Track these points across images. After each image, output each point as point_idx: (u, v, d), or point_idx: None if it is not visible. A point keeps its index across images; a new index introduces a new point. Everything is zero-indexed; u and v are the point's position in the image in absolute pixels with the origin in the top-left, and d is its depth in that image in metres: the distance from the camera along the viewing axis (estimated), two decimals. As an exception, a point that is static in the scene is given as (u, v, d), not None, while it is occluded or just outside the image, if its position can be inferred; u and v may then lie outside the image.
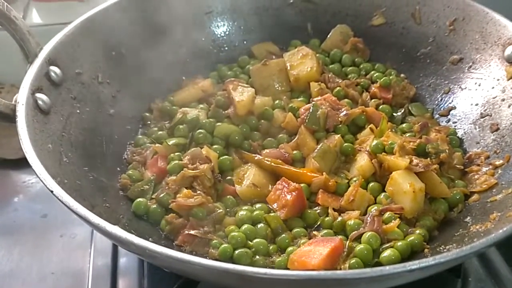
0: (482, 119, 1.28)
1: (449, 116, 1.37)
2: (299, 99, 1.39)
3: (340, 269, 0.99)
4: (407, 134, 1.28)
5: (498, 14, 1.30)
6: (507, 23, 1.28)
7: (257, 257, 1.04)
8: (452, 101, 1.38)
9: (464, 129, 1.32)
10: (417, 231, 1.08)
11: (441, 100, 1.41)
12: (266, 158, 1.21)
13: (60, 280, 1.19)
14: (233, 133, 1.28)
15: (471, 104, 1.33)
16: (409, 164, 1.12)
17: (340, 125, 1.29)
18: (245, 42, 1.57)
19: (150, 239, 1.04)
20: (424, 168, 1.12)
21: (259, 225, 1.10)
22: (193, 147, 1.23)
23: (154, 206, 1.13)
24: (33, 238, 1.28)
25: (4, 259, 1.23)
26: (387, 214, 1.08)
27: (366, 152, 1.21)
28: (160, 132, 1.32)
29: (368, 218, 1.07)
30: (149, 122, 1.37)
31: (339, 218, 1.10)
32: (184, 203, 1.10)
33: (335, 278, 0.79)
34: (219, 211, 1.11)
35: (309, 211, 1.13)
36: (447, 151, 1.20)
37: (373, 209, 1.09)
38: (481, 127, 1.27)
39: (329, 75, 1.43)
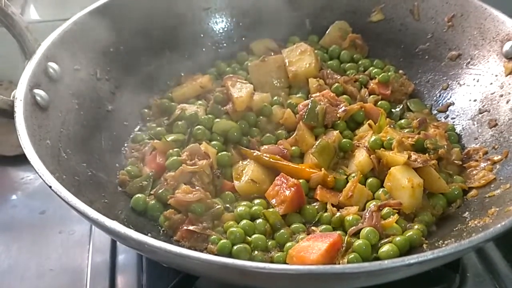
0: (480, 115, 1.28)
1: (447, 112, 1.37)
2: (297, 95, 1.39)
3: (339, 264, 0.99)
4: (406, 130, 1.28)
5: (496, 10, 1.31)
6: (505, 19, 1.28)
7: (256, 252, 1.04)
8: (450, 97, 1.38)
9: (463, 125, 1.32)
10: (416, 227, 1.08)
11: (440, 96, 1.41)
12: (264, 154, 1.20)
13: (59, 277, 1.19)
14: (232, 129, 1.28)
15: (470, 100, 1.33)
16: (408, 160, 1.12)
17: (338, 121, 1.29)
18: (243, 39, 1.57)
19: (149, 234, 1.03)
20: (423, 164, 1.12)
21: (257, 221, 1.10)
22: (191, 143, 1.23)
23: (153, 202, 1.13)
24: (31, 234, 1.28)
25: (2, 256, 1.23)
26: (385, 210, 1.09)
27: (365, 148, 1.21)
28: (158, 128, 1.32)
29: (367, 214, 1.07)
30: (147, 118, 1.38)
31: (338, 214, 1.10)
32: (182, 199, 1.10)
33: (334, 272, 0.79)
34: (217, 206, 1.11)
35: (308, 207, 1.13)
36: (445, 146, 1.20)
37: (372, 205, 1.09)
38: (479, 123, 1.28)
39: (328, 71, 1.43)
